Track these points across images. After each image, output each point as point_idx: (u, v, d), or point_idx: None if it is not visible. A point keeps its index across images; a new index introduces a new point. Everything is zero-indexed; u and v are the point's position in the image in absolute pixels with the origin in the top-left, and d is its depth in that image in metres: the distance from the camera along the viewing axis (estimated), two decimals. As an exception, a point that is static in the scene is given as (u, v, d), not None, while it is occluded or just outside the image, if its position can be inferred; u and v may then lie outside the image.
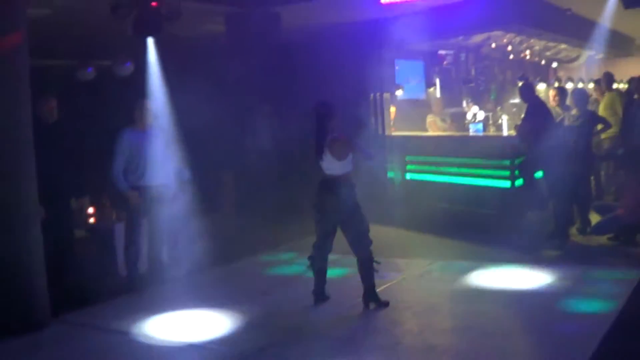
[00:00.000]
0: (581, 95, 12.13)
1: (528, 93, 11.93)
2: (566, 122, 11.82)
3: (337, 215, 8.43)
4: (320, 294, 8.78)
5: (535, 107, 11.64)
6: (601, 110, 13.63)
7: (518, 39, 16.72)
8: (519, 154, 12.18)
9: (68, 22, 11.54)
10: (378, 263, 8.55)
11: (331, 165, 8.39)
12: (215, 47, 13.69)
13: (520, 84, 15.21)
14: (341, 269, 9.58)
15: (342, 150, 8.31)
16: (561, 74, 23.60)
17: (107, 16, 10.37)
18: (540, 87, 18.08)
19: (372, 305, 8.45)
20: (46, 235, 8.52)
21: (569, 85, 19.71)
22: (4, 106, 8.14)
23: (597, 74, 21.78)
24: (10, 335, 7.96)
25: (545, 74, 22.55)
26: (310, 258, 8.83)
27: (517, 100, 18.71)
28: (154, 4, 10.57)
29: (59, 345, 7.93)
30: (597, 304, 8.17)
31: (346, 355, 7.10)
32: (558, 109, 12.02)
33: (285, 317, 8.37)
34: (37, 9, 10.06)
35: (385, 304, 8.48)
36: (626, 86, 14.60)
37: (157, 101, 10.98)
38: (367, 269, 8.46)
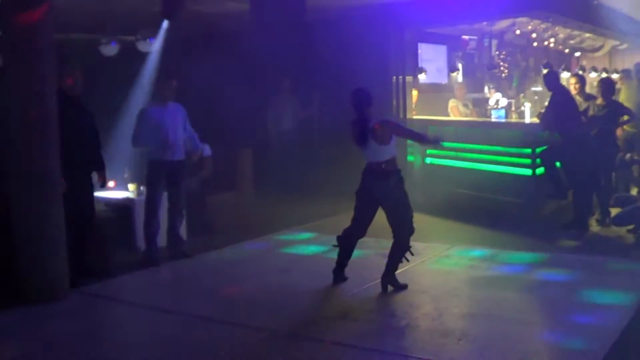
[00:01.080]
0: (607, 85, 12.05)
1: (553, 81, 11.82)
2: (590, 112, 11.77)
3: (380, 202, 8.47)
4: (339, 274, 8.84)
5: (560, 96, 11.55)
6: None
7: (543, 26, 16.62)
8: (541, 142, 12.12)
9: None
10: (412, 254, 8.66)
11: (376, 152, 8.38)
12: (239, 24, 13.66)
13: (544, 71, 15.11)
14: (360, 250, 9.56)
15: (386, 135, 8.29)
16: (584, 63, 23.49)
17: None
18: (564, 76, 17.96)
19: (390, 288, 8.45)
20: (67, 208, 8.56)
21: (593, 75, 19.62)
22: (30, 79, 8.19)
23: (620, 64, 21.74)
24: (29, 304, 8.08)
25: (568, 63, 22.44)
26: (339, 238, 8.85)
27: (539, 88, 18.69)
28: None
29: (77, 315, 8.02)
30: (616, 296, 8.09)
31: (363, 337, 7.09)
32: (579, 97, 11.95)
33: (302, 297, 8.39)
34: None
35: (404, 287, 8.49)
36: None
37: (178, 77, 10.95)
38: (398, 252, 8.51)
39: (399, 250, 8.51)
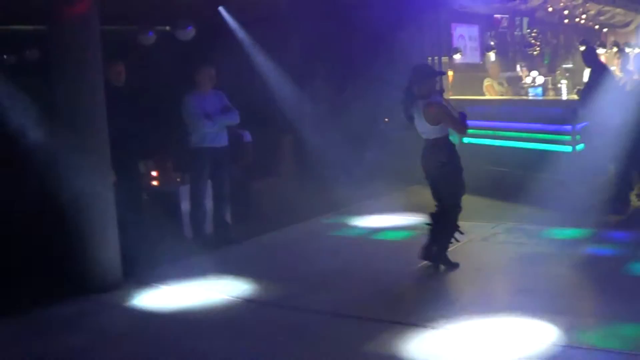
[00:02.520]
0: (644, 61, 12.01)
1: (592, 57, 11.81)
2: (628, 88, 11.74)
3: (436, 176, 8.54)
4: (427, 254, 8.68)
5: (599, 72, 11.55)
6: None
7: (575, 2, 16.58)
8: (581, 118, 12.12)
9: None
10: (461, 233, 8.72)
11: (424, 130, 8.47)
12: (277, 9, 13.72)
13: (581, 48, 15.07)
14: (410, 231, 9.62)
15: (433, 117, 8.33)
16: (612, 38, 23.39)
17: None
18: (599, 52, 17.91)
19: (442, 267, 8.55)
20: (117, 198, 8.68)
21: (627, 50, 19.56)
22: (78, 70, 8.31)
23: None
24: (86, 295, 8.22)
25: (598, 39, 22.36)
26: (431, 215, 8.79)
27: (570, 65, 18.65)
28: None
29: (132, 305, 8.12)
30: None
31: (418, 313, 7.17)
32: (620, 74, 11.93)
33: (355, 278, 8.46)
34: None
35: (455, 265, 8.58)
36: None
37: (218, 65, 11.04)
38: (446, 232, 8.58)
39: (450, 228, 8.57)
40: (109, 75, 9.29)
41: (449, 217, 8.57)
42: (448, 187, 8.51)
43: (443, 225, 8.57)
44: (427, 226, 8.74)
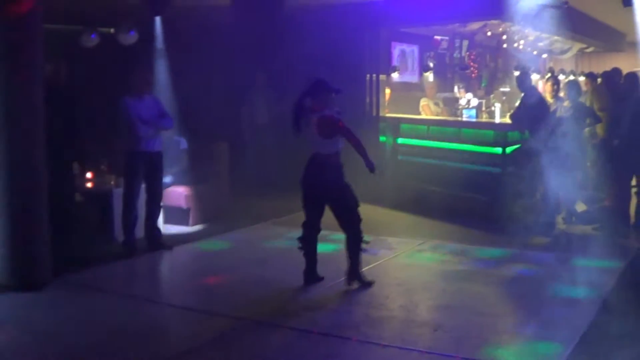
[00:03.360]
0: (574, 88, 12.33)
1: (525, 82, 12.12)
2: (558, 113, 12.05)
3: (322, 193, 8.40)
4: (311, 275, 8.70)
5: (532, 97, 11.84)
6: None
7: (513, 28, 16.90)
8: (511, 142, 12.40)
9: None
10: (367, 242, 8.57)
11: (316, 143, 8.34)
12: (217, 19, 13.83)
13: (516, 73, 15.40)
14: (336, 244, 9.76)
15: (327, 130, 8.22)
16: (551, 64, 23.85)
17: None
18: (534, 77, 18.26)
19: (355, 284, 8.48)
20: (49, 198, 8.72)
21: (561, 77, 19.95)
22: (18, 69, 8.33)
23: (587, 67, 22.12)
24: (12, 292, 8.25)
25: (536, 65, 22.77)
26: (299, 239, 8.68)
27: (507, 88, 19.00)
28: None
29: (59, 304, 8.15)
30: (582, 291, 8.39)
31: (342, 327, 7.30)
32: (551, 100, 12.24)
33: (280, 288, 8.57)
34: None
35: (370, 284, 8.53)
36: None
37: (155, 70, 11.11)
38: (354, 246, 8.44)
39: (353, 241, 8.44)
40: (48, 76, 9.30)
41: (356, 230, 8.44)
42: (344, 201, 8.40)
43: (350, 240, 8.46)
44: (299, 249, 8.66)
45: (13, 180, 8.36)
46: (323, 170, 8.32)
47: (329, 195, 8.39)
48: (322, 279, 8.72)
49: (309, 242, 8.64)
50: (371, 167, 8.42)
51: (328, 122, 8.23)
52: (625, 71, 12.58)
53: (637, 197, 11.79)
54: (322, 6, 14.25)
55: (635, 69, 12.15)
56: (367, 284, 8.49)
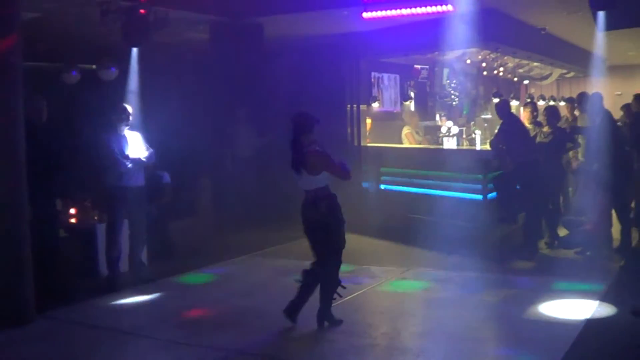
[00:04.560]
0: (552, 113, 12.45)
1: (504, 109, 12.25)
2: (538, 139, 12.16)
3: (318, 230, 8.10)
4: (293, 311, 8.29)
5: (511, 124, 11.97)
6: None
7: (492, 55, 17.04)
8: (492, 168, 12.51)
9: (56, 25, 11.77)
10: (344, 288, 8.29)
11: (304, 180, 8.08)
12: (198, 54, 13.94)
13: (495, 100, 15.56)
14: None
15: (315, 166, 7.97)
16: (532, 91, 24.01)
17: (94, 21, 10.65)
18: (513, 104, 18.40)
19: (326, 324, 8.16)
20: (32, 234, 8.75)
21: (541, 103, 20.11)
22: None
23: (568, 92, 22.29)
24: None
25: (516, 91, 22.94)
26: (305, 272, 8.33)
27: (489, 115, 19.15)
28: (142, 11, 10.84)
29: (45, 340, 8.15)
30: (564, 314, 8.49)
31: (326, 356, 7.43)
32: (530, 126, 12.36)
33: (265, 319, 8.58)
34: (27, 12, 10.24)
35: (339, 322, 8.23)
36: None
37: (137, 106, 11.18)
38: (327, 289, 8.15)
39: (329, 283, 8.14)
40: (30, 113, 9.35)
41: (331, 272, 8.14)
42: (330, 241, 8.08)
43: (325, 282, 8.13)
44: (297, 283, 8.32)
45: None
46: (316, 206, 8.04)
47: (320, 229, 8.07)
48: (296, 322, 8.25)
49: (312, 281, 8.25)
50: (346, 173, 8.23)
51: (319, 159, 8.00)
52: (606, 96, 12.63)
53: (619, 219, 11.88)
54: (301, 38, 14.38)
55: (617, 93, 12.26)
56: (337, 323, 8.20)
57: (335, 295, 8.21)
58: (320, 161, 8.00)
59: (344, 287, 8.29)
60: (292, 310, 8.26)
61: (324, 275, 8.14)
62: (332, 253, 8.14)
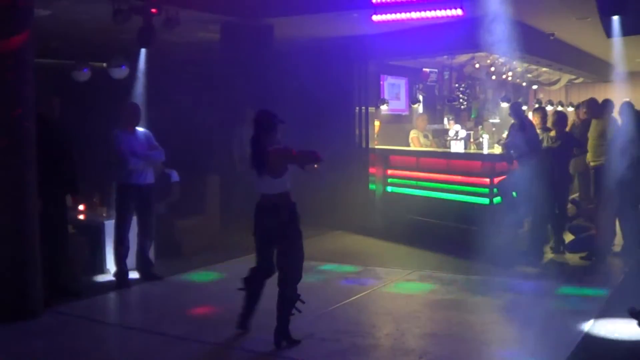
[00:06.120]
0: (560, 118, 12.50)
1: (519, 112, 12.31)
2: (545, 144, 12.19)
3: (274, 238, 7.66)
4: (244, 320, 8.09)
5: (524, 127, 12.02)
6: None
7: (501, 60, 17.08)
8: (498, 172, 12.56)
9: (67, 23, 11.86)
10: (303, 302, 7.70)
11: (264, 183, 7.60)
12: (208, 54, 14.00)
13: (503, 104, 15.59)
14: (322, 275, 9.87)
15: (277, 163, 7.49)
16: (541, 96, 24.06)
17: (106, 20, 10.73)
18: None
19: (284, 344, 7.63)
20: (41, 228, 8.84)
21: (549, 108, 20.14)
22: (11, 103, 8.47)
23: (576, 97, 22.32)
24: (5, 323, 8.28)
25: (525, 96, 23.00)
26: (246, 280, 8.12)
27: (497, 120, 19.20)
28: (153, 10, 10.92)
29: (51, 334, 8.22)
30: (569, 318, 8.53)
31: (329, 356, 7.43)
32: (539, 131, 12.39)
33: (270, 317, 8.61)
34: (39, 10, 10.31)
35: (297, 342, 7.68)
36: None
37: (147, 104, 11.26)
38: (286, 306, 7.62)
39: (286, 301, 7.62)
40: (42, 110, 9.43)
41: (293, 289, 7.62)
42: (290, 254, 7.63)
43: (285, 299, 7.60)
44: (242, 291, 8.10)
45: (4, 210, 8.49)
46: (278, 213, 7.54)
47: (279, 240, 7.61)
48: (249, 330, 8.04)
49: (254, 286, 8.05)
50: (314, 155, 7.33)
51: (279, 153, 7.45)
52: (615, 102, 12.69)
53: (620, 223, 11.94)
54: (310, 40, 14.45)
55: (625, 99, 12.29)
56: (294, 342, 7.65)
57: (294, 311, 7.66)
58: (280, 156, 7.45)
59: (303, 302, 7.69)
60: (243, 322, 8.06)
61: (288, 292, 7.59)
62: (295, 268, 7.62)
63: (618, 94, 13.46)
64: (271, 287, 7.77)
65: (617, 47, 12.47)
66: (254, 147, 7.62)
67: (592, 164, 12.87)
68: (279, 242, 7.62)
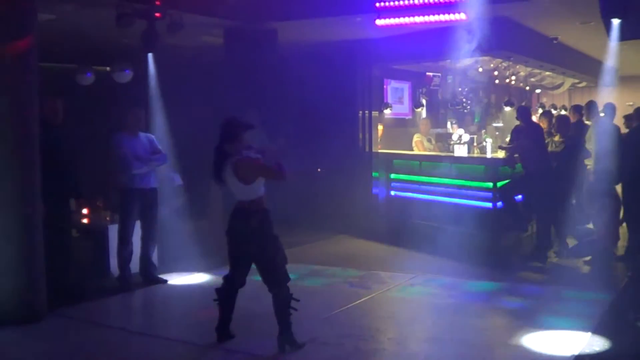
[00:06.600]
0: (564, 122, 12.51)
1: (527, 115, 12.33)
2: (550, 148, 12.20)
3: (245, 245, 7.62)
4: (222, 331, 7.99)
5: (532, 130, 12.03)
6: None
7: (505, 64, 17.09)
8: (502, 176, 12.57)
9: (71, 27, 11.88)
10: (297, 301, 7.65)
11: (237, 190, 7.64)
12: (212, 58, 14.02)
13: (506, 108, 15.58)
14: (327, 278, 9.86)
15: (246, 174, 7.53)
16: (544, 100, 24.06)
17: (110, 24, 10.75)
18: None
19: (287, 348, 7.62)
20: (46, 233, 8.86)
21: (553, 112, 20.14)
22: (14, 107, 8.50)
23: (580, 101, 22.30)
24: (10, 326, 8.33)
25: (528, 100, 23.01)
26: (217, 290, 7.99)
27: (500, 124, 19.20)
28: (157, 15, 10.94)
29: (55, 338, 8.26)
30: (571, 322, 8.51)
31: (332, 359, 7.46)
32: (545, 135, 12.40)
33: (273, 321, 8.65)
34: (42, 14, 10.33)
35: (301, 346, 7.69)
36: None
37: (150, 108, 11.27)
38: (282, 308, 7.60)
39: (281, 303, 7.61)
40: (45, 114, 9.45)
41: (281, 287, 7.61)
42: (268, 254, 7.58)
43: (280, 303, 7.59)
44: (215, 302, 8.00)
45: (10, 214, 8.51)
46: (247, 220, 7.56)
47: (252, 248, 7.59)
48: (233, 336, 7.98)
49: (226, 296, 7.95)
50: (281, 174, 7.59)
51: (247, 166, 7.52)
52: (617, 106, 12.68)
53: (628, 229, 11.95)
54: (314, 44, 14.46)
55: (628, 103, 12.32)
56: (298, 346, 7.66)
57: (292, 311, 7.63)
58: (248, 169, 7.54)
59: (297, 300, 7.64)
60: (220, 330, 7.98)
61: (280, 294, 7.60)
62: (279, 270, 7.61)
63: (623, 98, 13.50)
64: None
65: (614, 50, 12.50)
66: (215, 157, 7.73)
67: (588, 167, 12.92)
68: (252, 249, 7.59)
